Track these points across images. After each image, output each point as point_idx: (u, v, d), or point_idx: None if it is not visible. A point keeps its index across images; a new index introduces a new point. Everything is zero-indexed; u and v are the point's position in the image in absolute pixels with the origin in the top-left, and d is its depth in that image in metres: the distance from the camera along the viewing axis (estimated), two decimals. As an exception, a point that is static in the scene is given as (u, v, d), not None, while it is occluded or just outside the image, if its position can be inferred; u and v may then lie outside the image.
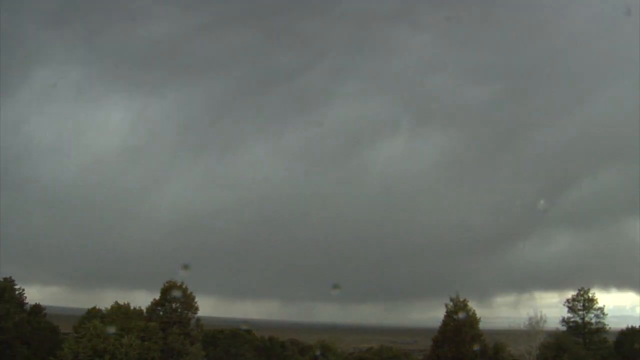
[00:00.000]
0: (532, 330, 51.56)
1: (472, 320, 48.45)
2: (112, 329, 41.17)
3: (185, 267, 42.17)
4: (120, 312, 44.72)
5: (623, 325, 51.45)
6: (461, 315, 47.97)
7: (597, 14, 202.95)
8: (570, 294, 51.50)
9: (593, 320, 49.92)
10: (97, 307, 46.72)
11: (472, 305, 48.49)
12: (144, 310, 46.66)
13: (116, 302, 45.79)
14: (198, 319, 48.04)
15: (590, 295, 50.39)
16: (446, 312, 48.99)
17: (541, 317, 51.82)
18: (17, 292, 46.60)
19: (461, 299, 48.67)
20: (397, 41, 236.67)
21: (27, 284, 48.57)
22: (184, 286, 47.24)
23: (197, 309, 47.39)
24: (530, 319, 52.05)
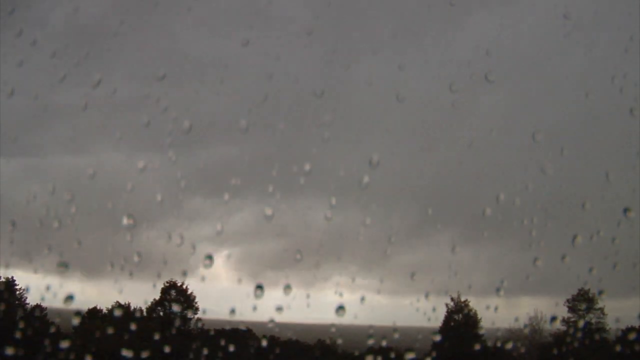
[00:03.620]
0: (533, 330, 51.53)
1: (473, 320, 48.54)
2: (111, 329, 41.17)
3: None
4: (120, 312, 44.74)
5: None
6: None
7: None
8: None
9: (593, 321, 49.99)
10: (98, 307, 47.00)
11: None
12: (144, 310, 46.75)
13: (117, 302, 45.88)
14: (198, 319, 48.06)
15: (590, 295, 50.48)
16: (446, 311, 49.09)
17: (541, 317, 51.81)
18: (17, 293, 46.68)
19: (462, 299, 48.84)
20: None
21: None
22: (184, 286, 47.36)
23: (197, 309, 47.46)
24: (530, 319, 52.07)
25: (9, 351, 12.94)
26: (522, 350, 48.63)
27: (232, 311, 13.00)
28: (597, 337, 49.59)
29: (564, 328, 50.29)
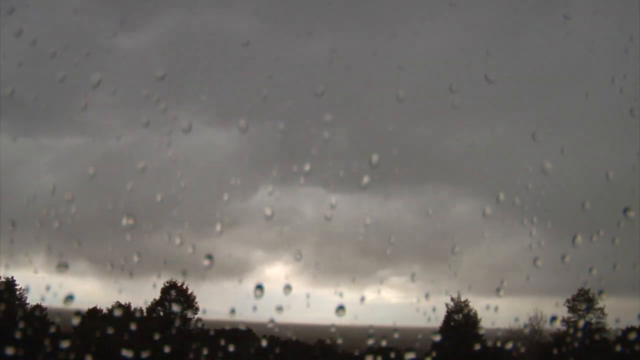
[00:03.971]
0: (533, 330, 51.55)
1: (473, 320, 48.55)
2: (111, 329, 41.19)
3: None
4: (120, 312, 44.78)
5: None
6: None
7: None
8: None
9: (593, 321, 50.03)
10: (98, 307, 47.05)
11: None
12: (144, 310, 46.79)
13: (117, 302, 45.91)
14: (198, 319, 48.09)
15: (590, 295, 50.50)
16: (446, 311, 49.10)
17: (541, 317, 51.85)
18: (17, 293, 46.71)
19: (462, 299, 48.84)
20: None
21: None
22: (184, 286, 47.40)
23: (197, 308, 47.49)
24: (530, 319, 52.10)
25: (9, 351, 12.93)
26: (522, 350, 48.62)
27: (232, 311, 12.95)
28: (597, 337, 49.60)
29: (564, 328, 50.29)
